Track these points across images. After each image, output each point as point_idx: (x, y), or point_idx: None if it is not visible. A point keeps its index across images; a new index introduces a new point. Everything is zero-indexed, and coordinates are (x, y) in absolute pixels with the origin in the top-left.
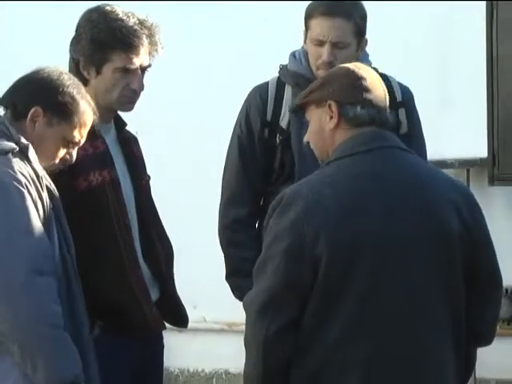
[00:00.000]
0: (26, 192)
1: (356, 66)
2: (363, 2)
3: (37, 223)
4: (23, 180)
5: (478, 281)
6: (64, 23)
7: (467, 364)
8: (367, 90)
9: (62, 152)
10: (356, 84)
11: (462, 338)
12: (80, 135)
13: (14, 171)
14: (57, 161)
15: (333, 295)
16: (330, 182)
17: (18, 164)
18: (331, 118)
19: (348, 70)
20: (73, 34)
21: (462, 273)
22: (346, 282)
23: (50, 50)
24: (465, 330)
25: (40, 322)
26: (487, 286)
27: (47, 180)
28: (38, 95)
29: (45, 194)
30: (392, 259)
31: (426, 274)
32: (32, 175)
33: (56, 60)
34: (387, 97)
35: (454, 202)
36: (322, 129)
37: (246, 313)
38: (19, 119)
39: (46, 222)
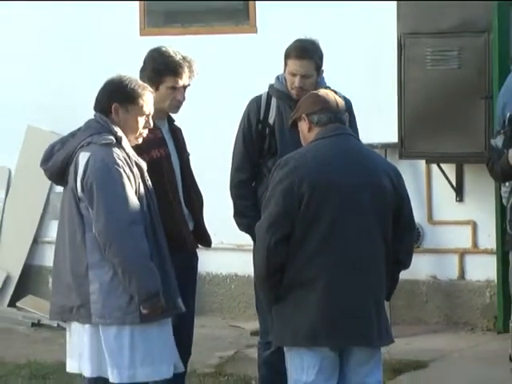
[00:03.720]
0: (122, 170)
1: (316, 91)
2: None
3: (130, 190)
4: (120, 162)
5: (401, 224)
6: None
7: (393, 282)
8: (323, 102)
9: (142, 123)
10: (315, 100)
11: (390, 260)
12: (148, 108)
13: (113, 157)
14: (142, 130)
15: (310, 220)
16: (310, 150)
17: (116, 151)
18: (306, 124)
19: (310, 93)
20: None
21: (391, 218)
22: (319, 211)
23: None
24: (391, 257)
25: (137, 255)
26: (407, 228)
27: (136, 158)
28: (112, 96)
29: (135, 169)
30: (348, 199)
31: (370, 212)
32: (125, 157)
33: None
34: (340, 104)
35: (385, 171)
36: (304, 133)
37: (257, 231)
38: (107, 115)
39: (136, 188)
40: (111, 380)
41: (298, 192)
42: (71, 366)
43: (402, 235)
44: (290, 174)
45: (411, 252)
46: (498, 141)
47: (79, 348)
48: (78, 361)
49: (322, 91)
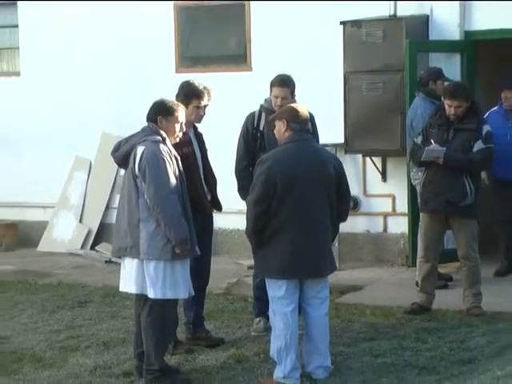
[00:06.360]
0: (165, 159)
1: (296, 105)
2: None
3: (170, 172)
4: (164, 153)
5: (341, 192)
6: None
7: (335, 230)
8: (299, 115)
9: (178, 128)
10: (295, 114)
11: (333, 218)
12: (181, 118)
13: (160, 150)
14: (178, 133)
15: (281, 200)
16: (282, 152)
17: (162, 146)
18: (284, 126)
19: (292, 107)
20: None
21: (334, 190)
22: (287, 194)
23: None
24: (335, 215)
25: (173, 214)
26: (345, 198)
27: (174, 152)
28: (158, 111)
29: (173, 159)
30: (308, 185)
31: (320, 191)
32: (168, 151)
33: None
34: (308, 117)
35: (331, 162)
36: (279, 130)
37: (247, 205)
38: (156, 124)
39: (174, 172)
40: (149, 295)
41: (273, 182)
42: (123, 287)
43: (341, 199)
44: (268, 169)
45: (347, 211)
46: (419, 139)
47: (129, 275)
48: (127, 283)
49: (302, 108)
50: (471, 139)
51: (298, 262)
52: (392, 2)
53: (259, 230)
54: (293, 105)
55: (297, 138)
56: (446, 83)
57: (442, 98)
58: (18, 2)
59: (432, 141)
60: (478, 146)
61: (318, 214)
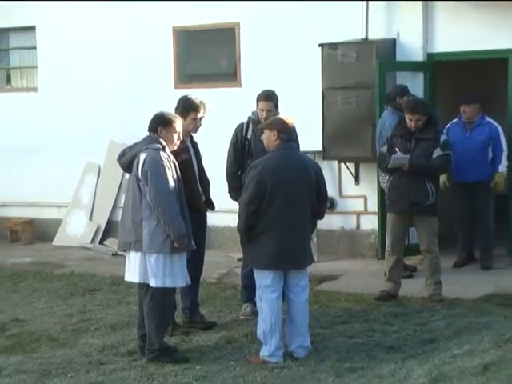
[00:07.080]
0: (164, 164)
1: (285, 117)
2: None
3: (169, 176)
4: (164, 160)
5: (320, 195)
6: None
7: (313, 226)
8: (287, 126)
9: (176, 137)
10: (284, 125)
11: (312, 217)
12: (179, 128)
13: (160, 156)
14: (176, 141)
15: (270, 200)
16: (271, 158)
17: (162, 154)
18: (274, 136)
19: (282, 119)
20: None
21: (315, 192)
22: (276, 195)
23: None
24: (314, 214)
25: (172, 213)
26: (323, 199)
27: (173, 158)
28: (158, 122)
29: (172, 165)
30: (293, 188)
31: (302, 192)
32: (167, 158)
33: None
34: (294, 127)
35: (313, 168)
36: (269, 138)
37: (239, 204)
38: (156, 133)
39: (172, 176)
40: (151, 284)
41: (264, 185)
42: (127, 277)
43: (320, 200)
44: (260, 173)
45: (325, 210)
46: (384, 148)
47: (133, 266)
48: (131, 274)
49: (289, 120)
50: (431, 147)
51: (282, 256)
52: (364, 27)
53: (250, 226)
54: (282, 116)
55: (284, 146)
56: (410, 98)
57: (404, 112)
58: (37, 27)
59: (397, 149)
60: (437, 152)
61: (301, 213)
